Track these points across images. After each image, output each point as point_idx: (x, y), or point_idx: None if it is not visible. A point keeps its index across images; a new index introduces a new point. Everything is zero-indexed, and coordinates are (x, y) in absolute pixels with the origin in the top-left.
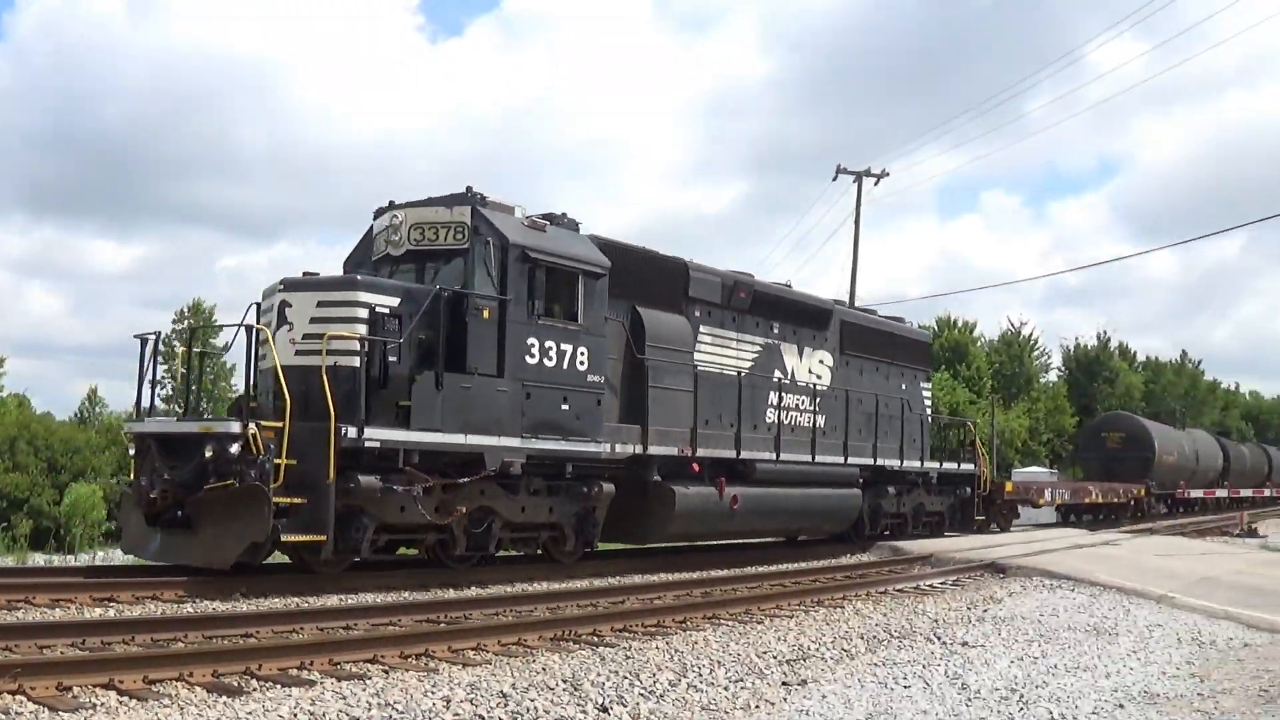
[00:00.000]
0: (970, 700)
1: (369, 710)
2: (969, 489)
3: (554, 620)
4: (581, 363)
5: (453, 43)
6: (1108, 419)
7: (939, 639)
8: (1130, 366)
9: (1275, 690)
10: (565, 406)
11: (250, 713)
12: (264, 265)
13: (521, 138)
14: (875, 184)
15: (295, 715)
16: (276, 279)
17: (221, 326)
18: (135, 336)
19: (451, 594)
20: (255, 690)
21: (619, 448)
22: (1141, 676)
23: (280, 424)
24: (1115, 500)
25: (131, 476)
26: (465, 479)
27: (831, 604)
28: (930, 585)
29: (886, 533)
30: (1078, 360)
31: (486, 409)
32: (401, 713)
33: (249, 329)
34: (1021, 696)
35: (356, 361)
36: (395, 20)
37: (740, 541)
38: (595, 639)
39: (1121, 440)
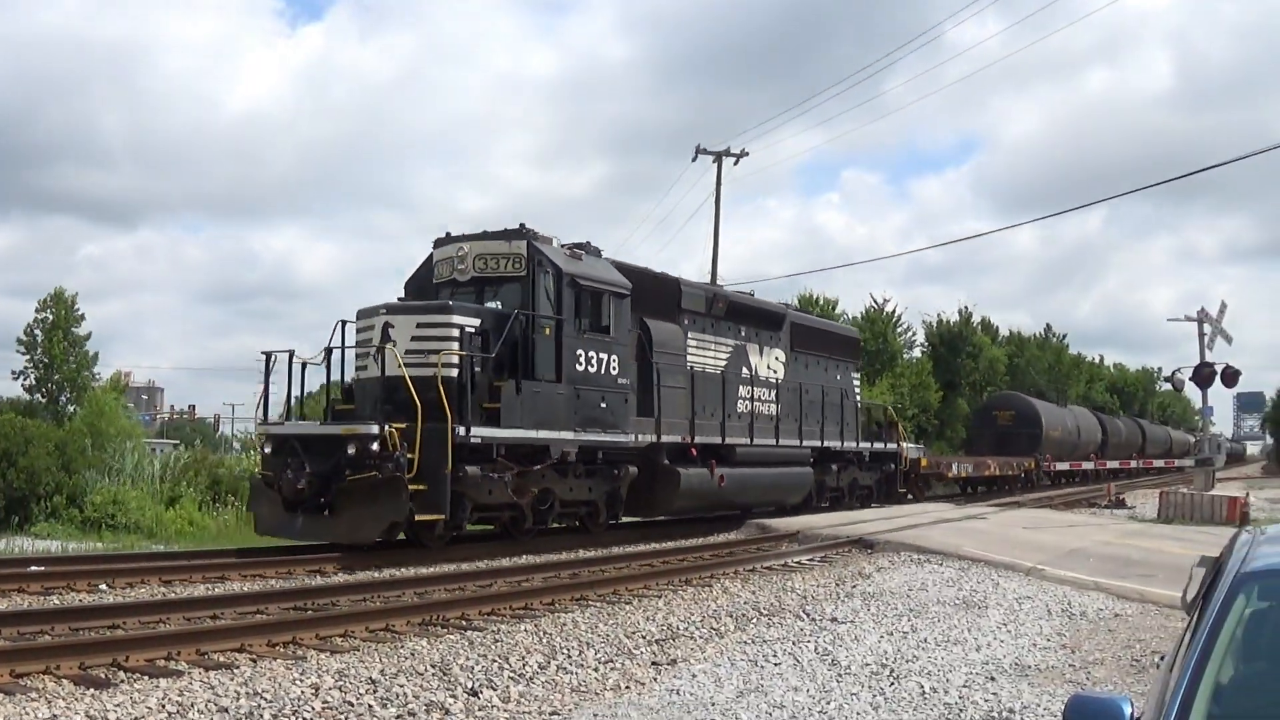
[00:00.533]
0: (841, 676)
1: (237, 700)
2: (893, 465)
3: (422, 605)
4: (614, 368)
5: (313, 27)
6: (999, 399)
7: (808, 616)
8: (994, 341)
9: (1147, 660)
10: (603, 405)
11: (118, 704)
12: (127, 252)
13: (383, 120)
14: (735, 163)
15: (163, 706)
16: (375, 303)
17: (266, 356)
18: (262, 353)
19: (319, 581)
20: (123, 682)
21: (641, 437)
22: (1013, 649)
23: (405, 424)
24: (1010, 473)
25: (263, 472)
26: (535, 466)
27: (700, 583)
28: (798, 562)
29: (826, 505)
30: (941, 336)
31: (551, 409)
32: (270, 701)
33: (379, 349)
34: (892, 671)
35: (455, 373)
36: (255, 5)
37: (674, 520)
38: (463, 623)
39: (1012, 418)
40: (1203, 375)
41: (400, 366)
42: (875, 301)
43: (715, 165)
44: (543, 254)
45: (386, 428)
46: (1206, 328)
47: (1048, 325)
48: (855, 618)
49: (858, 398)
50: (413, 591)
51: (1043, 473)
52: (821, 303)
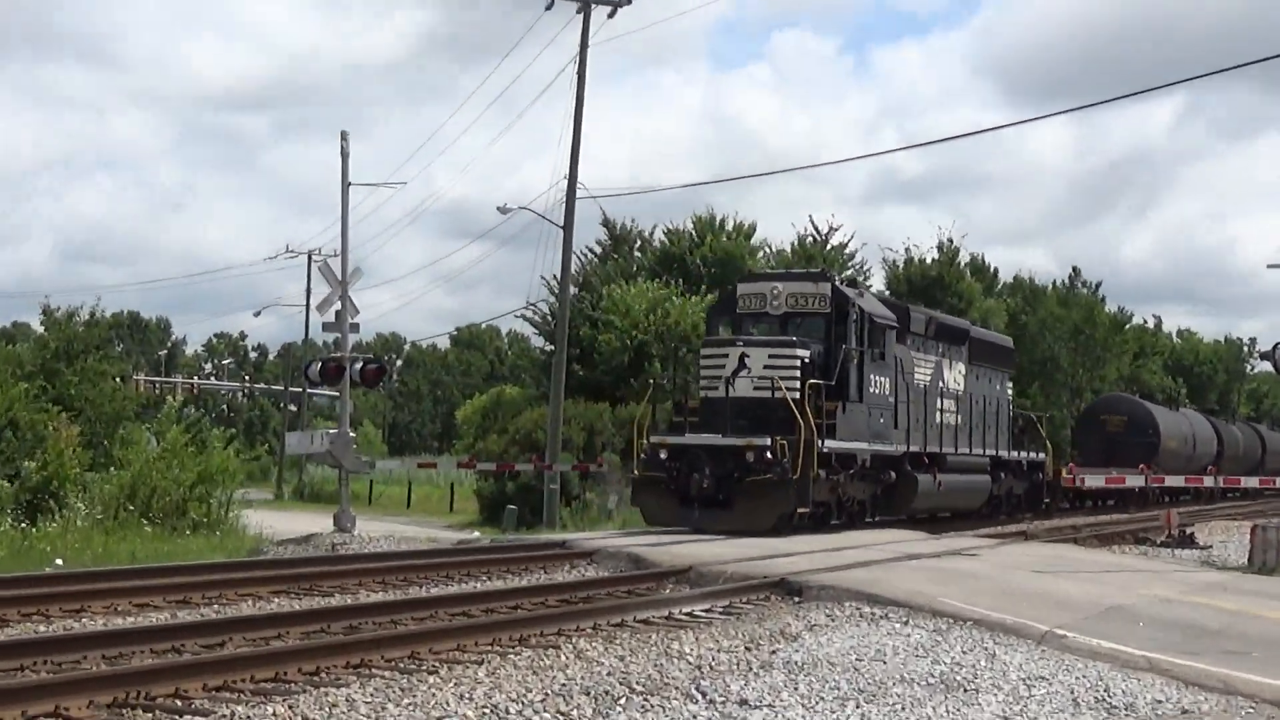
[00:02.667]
0: None
1: None
2: (1039, 475)
3: (113, 676)
4: (886, 388)
5: None
6: (1109, 401)
7: (704, 696)
8: (990, 290)
9: None
10: (882, 420)
11: None
12: None
13: None
14: (611, 14)
15: None
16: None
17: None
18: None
19: None
20: None
21: (898, 446)
22: None
23: (782, 437)
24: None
25: (653, 473)
26: (850, 470)
27: (542, 641)
28: (690, 614)
29: (1004, 515)
30: (910, 281)
31: (858, 425)
32: None
33: (727, 381)
34: None
35: (797, 395)
36: None
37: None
38: (178, 704)
39: (1123, 424)
40: None
41: (779, 389)
42: (815, 229)
43: (580, 16)
44: (846, 296)
45: (777, 440)
46: None
47: (1075, 271)
48: (776, 700)
49: (1010, 405)
50: (100, 653)
51: (1152, 489)
52: (732, 229)
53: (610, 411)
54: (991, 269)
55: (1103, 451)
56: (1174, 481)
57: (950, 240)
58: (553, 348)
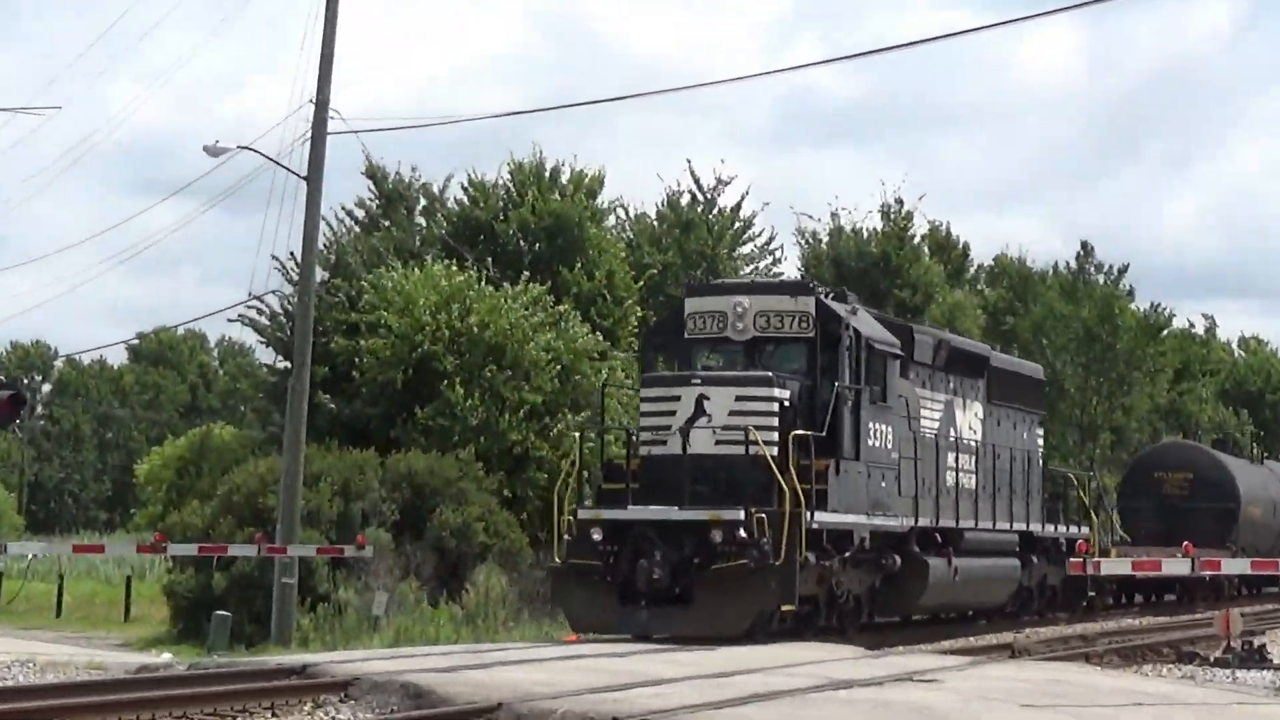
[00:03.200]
0: None
1: None
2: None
3: None
4: (889, 441)
5: None
6: (1165, 451)
7: None
8: (959, 277)
9: None
10: (883, 483)
11: None
12: None
13: None
14: None
15: None
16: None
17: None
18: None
19: None
20: None
21: (904, 520)
22: None
23: (767, 509)
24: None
25: (580, 561)
26: (845, 553)
27: None
28: None
29: (1035, 614)
30: (839, 264)
31: (855, 491)
32: None
33: (682, 432)
34: None
35: (776, 451)
36: None
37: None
38: None
39: (1187, 484)
40: None
41: (754, 443)
42: (696, 182)
43: None
44: (836, 314)
45: (753, 513)
46: None
47: (1085, 249)
48: None
49: (1041, 460)
50: None
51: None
52: (568, 181)
53: (379, 463)
54: (960, 245)
55: (1160, 522)
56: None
57: (899, 203)
58: (289, 364)
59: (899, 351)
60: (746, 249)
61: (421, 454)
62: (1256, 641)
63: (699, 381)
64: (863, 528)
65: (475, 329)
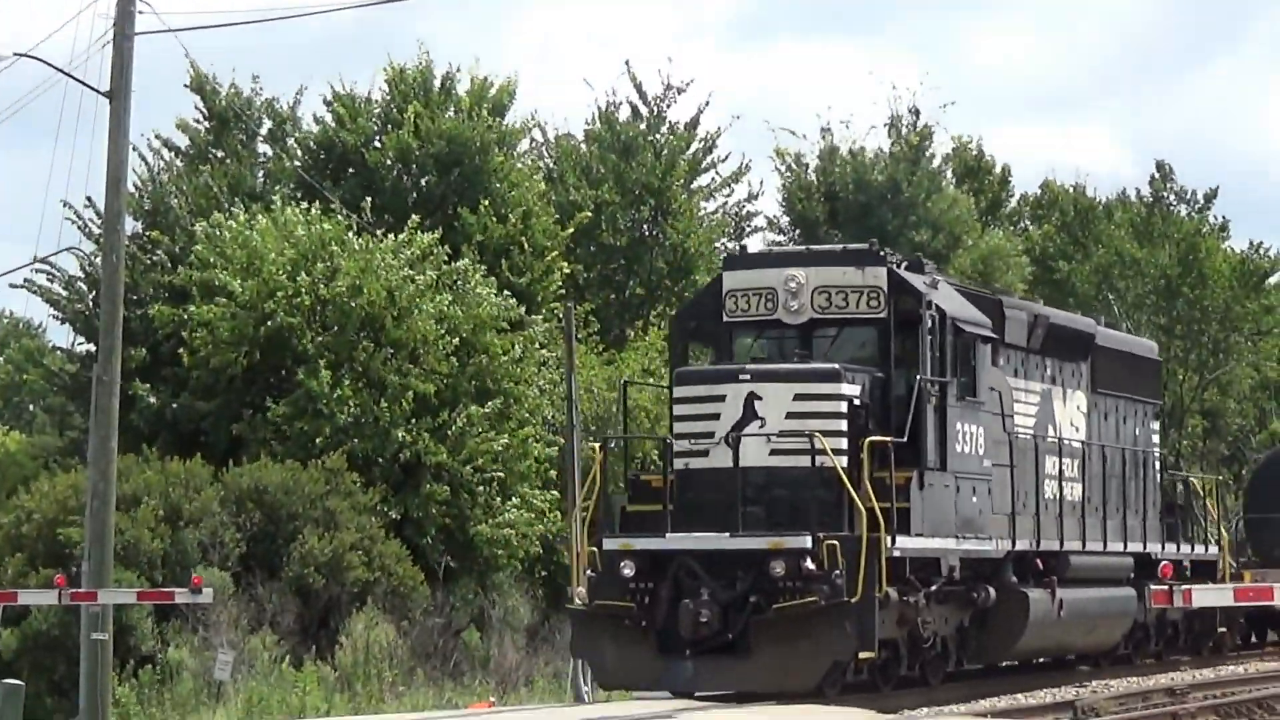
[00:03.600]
0: None
1: None
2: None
3: None
4: (981, 445)
5: None
6: None
7: None
8: (995, 212)
9: None
10: (974, 498)
11: None
12: None
13: None
14: None
15: None
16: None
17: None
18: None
19: None
20: None
21: (1000, 543)
22: None
23: (838, 534)
24: None
25: (607, 603)
26: (932, 586)
27: None
28: None
29: (1153, 654)
30: (832, 196)
31: (941, 509)
32: None
33: (731, 440)
34: None
35: (846, 461)
36: None
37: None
38: None
39: None
40: None
41: (822, 452)
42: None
43: None
44: (914, 289)
45: (823, 539)
46: None
47: (1163, 171)
48: None
49: (1157, 461)
50: None
51: None
52: (467, 92)
53: (217, 477)
54: (999, 170)
55: None
56: None
57: (915, 113)
58: (92, 347)
59: (991, 333)
60: (707, 179)
61: (275, 463)
62: None
63: (748, 377)
64: (952, 554)
65: (344, 295)
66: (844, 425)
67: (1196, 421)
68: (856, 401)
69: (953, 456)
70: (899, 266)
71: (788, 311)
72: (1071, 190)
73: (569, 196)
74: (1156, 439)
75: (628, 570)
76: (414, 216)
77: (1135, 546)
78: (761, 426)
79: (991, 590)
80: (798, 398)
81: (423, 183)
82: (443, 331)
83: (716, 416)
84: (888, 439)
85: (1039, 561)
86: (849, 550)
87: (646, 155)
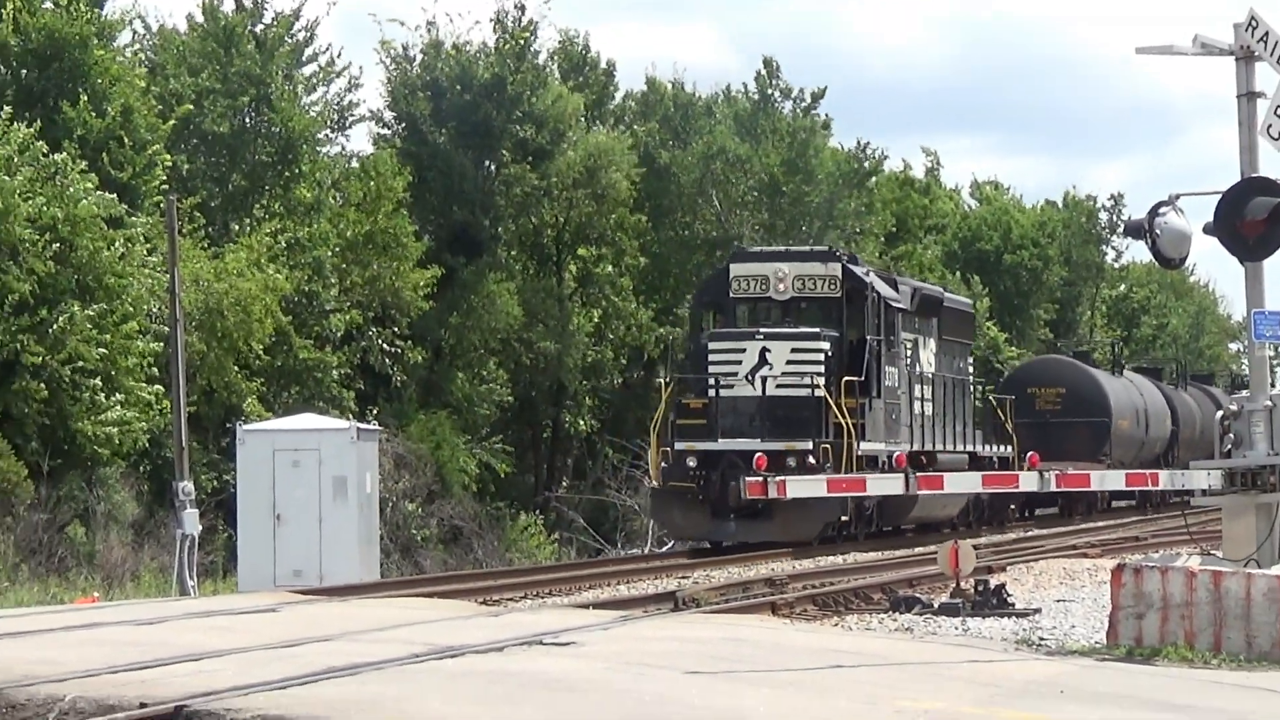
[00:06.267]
0: None
1: None
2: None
3: None
4: (897, 381)
5: None
6: (1038, 367)
7: None
8: (592, 104)
9: None
10: (894, 417)
11: None
12: None
13: None
14: None
15: None
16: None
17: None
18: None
19: None
20: None
21: (905, 446)
22: None
23: (830, 440)
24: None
25: (677, 484)
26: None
27: None
28: None
29: (981, 522)
30: (434, 90)
31: (880, 424)
32: None
33: (761, 379)
34: None
35: (822, 393)
36: None
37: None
38: None
39: (1059, 399)
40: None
41: (816, 387)
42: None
43: None
44: (860, 278)
45: (819, 443)
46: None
47: (769, 66)
48: None
49: (972, 387)
50: None
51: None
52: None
53: None
54: (604, 66)
55: (1037, 435)
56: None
57: (520, 9)
58: None
59: (905, 306)
60: (310, 70)
61: None
62: (993, 581)
63: (761, 337)
64: (884, 453)
65: None
66: (822, 369)
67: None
68: (829, 352)
69: (884, 390)
70: (847, 262)
71: (776, 292)
72: (671, 87)
73: (169, 86)
74: (971, 370)
75: (692, 462)
76: (7, 109)
77: (967, 447)
78: (771, 369)
79: (903, 477)
80: (794, 350)
81: (22, 76)
82: (39, 234)
83: (739, 362)
84: (857, 380)
85: (923, 458)
86: (835, 451)
87: (246, 45)
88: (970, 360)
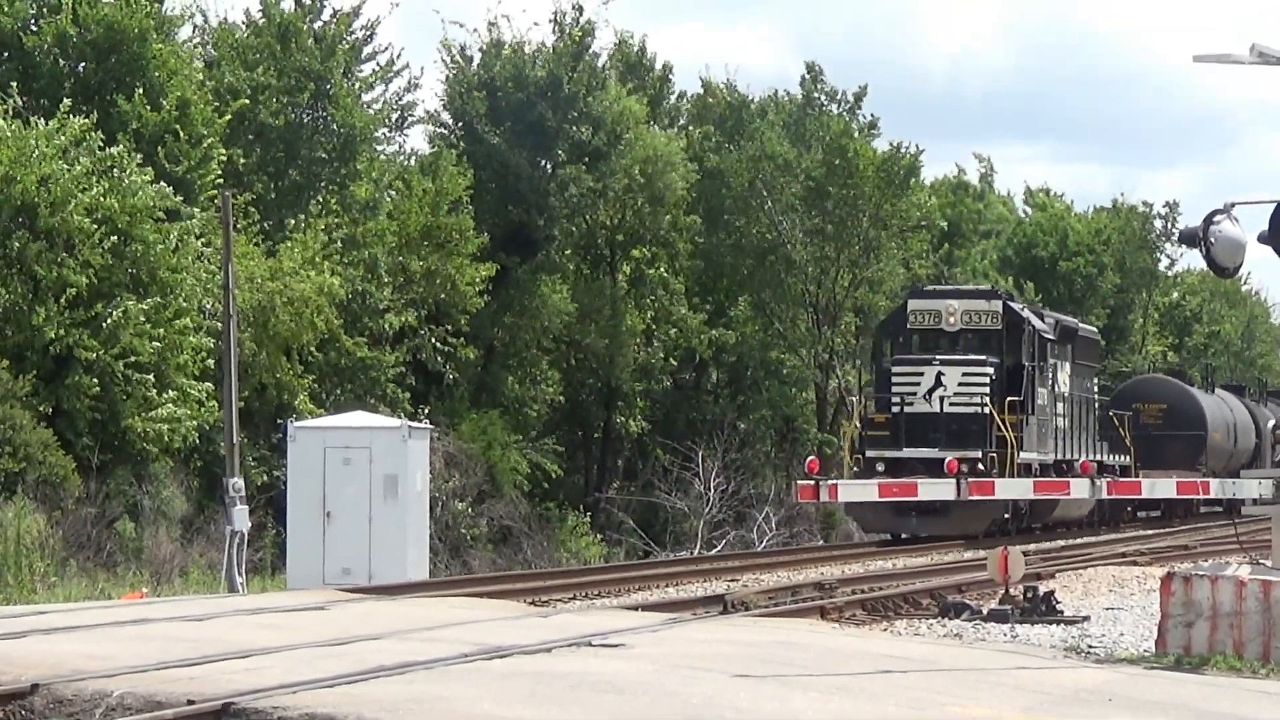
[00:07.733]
0: None
1: None
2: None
3: None
4: (1046, 401)
5: None
6: (1143, 385)
7: None
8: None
9: None
10: (1042, 431)
11: None
12: None
13: None
14: None
15: None
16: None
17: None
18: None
19: None
20: None
21: (1051, 456)
22: None
23: (995, 451)
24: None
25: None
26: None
27: None
28: None
29: (1103, 524)
30: (490, 90)
31: (1034, 437)
32: None
33: (939, 399)
34: None
35: (988, 410)
36: None
37: None
38: None
39: (1161, 413)
40: None
41: (985, 405)
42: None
43: None
44: (1019, 314)
45: (987, 452)
46: None
47: (812, 70)
48: None
49: (1097, 403)
50: None
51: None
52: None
53: None
54: (660, 68)
55: (1139, 448)
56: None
57: (579, 9)
58: None
59: (1053, 337)
60: (368, 70)
61: None
62: (1043, 588)
63: (937, 362)
64: (1036, 461)
65: (21, 187)
66: (988, 390)
67: (850, 320)
68: (993, 376)
69: (1037, 408)
70: (1007, 300)
71: (947, 324)
72: (724, 88)
73: (225, 80)
74: (1097, 389)
75: (880, 467)
76: (67, 101)
77: (1094, 456)
78: (945, 390)
79: None
80: (964, 374)
81: (80, 69)
82: (96, 225)
83: (918, 384)
84: (1015, 397)
85: (1063, 466)
86: (999, 459)
87: (305, 40)
88: (1095, 381)
